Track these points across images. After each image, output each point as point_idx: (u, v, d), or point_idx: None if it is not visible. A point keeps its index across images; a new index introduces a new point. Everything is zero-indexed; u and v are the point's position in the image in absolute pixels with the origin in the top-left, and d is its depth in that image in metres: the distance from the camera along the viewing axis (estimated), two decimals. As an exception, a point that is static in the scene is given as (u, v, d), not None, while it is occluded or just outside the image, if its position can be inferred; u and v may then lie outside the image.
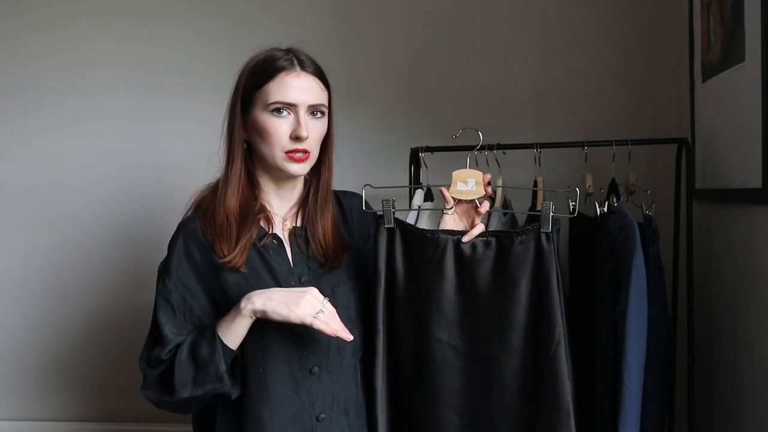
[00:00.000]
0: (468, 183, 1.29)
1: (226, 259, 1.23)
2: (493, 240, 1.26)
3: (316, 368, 1.25)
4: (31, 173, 2.20)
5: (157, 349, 1.23)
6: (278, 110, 1.23)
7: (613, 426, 1.37)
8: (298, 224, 1.32)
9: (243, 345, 1.23)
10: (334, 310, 1.21)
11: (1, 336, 2.22)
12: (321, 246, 1.30)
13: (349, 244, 1.35)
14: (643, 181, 1.64)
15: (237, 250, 1.23)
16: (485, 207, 1.29)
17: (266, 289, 1.21)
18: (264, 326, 1.21)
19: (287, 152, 1.24)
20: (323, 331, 1.18)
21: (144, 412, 2.13)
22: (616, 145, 1.57)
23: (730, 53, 1.45)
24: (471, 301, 1.27)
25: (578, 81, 1.99)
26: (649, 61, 1.96)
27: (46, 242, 2.20)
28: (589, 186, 1.62)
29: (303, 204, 1.34)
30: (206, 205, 1.28)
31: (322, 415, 1.25)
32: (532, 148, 1.61)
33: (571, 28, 2.00)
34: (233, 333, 1.20)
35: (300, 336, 1.24)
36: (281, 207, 1.32)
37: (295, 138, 1.23)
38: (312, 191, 1.33)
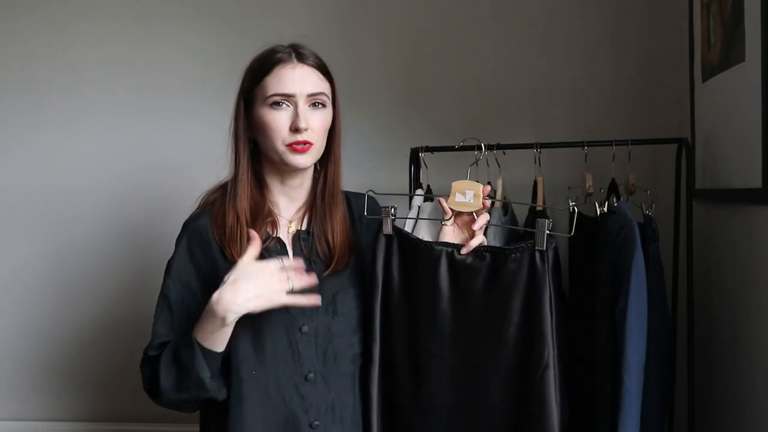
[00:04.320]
0: (466, 195, 1.26)
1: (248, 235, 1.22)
2: (487, 255, 1.23)
3: (311, 374, 1.23)
4: (32, 174, 2.20)
5: (147, 345, 1.25)
6: (277, 103, 1.22)
7: (613, 426, 1.37)
8: (304, 227, 1.30)
9: (236, 346, 1.20)
10: (296, 267, 1.18)
11: (2, 336, 2.22)
12: (328, 246, 1.27)
13: (357, 248, 1.32)
14: (643, 181, 1.64)
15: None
16: (481, 221, 1.25)
17: (231, 287, 1.14)
18: (261, 329, 1.20)
19: (288, 144, 1.22)
20: (302, 305, 1.17)
21: (144, 412, 2.12)
22: (616, 145, 1.57)
23: (730, 53, 1.45)
24: (463, 315, 1.23)
25: (578, 81, 1.99)
26: (649, 61, 1.95)
27: (47, 242, 2.20)
28: (589, 186, 1.62)
29: (311, 206, 1.32)
30: (218, 206, 1.27)
31: (316, 422, 1.23)
32: (532, 148, 1.61)
33: (571, 28, 2.00)
34: (218, 338, 1.16)
35: (296, 342, 1.23)
36: (288, 208, 1.30)
37: (295, 129, 1.21)
38: (320, 188, 1.31)
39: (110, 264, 2.17)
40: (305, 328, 1.24)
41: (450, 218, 1.27)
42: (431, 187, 1.66)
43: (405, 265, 1.28)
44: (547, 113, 2.00)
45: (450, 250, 1.24)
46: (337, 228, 1.29)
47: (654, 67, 1.95)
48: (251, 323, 1.20)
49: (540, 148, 1.60)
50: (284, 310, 1.21)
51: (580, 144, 1.60)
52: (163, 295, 1.26)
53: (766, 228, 1.35)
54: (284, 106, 1.22)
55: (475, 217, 1.26)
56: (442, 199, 1.28)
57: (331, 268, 1.27)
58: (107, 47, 2.16)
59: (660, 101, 1.95)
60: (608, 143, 1.58)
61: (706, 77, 1.63)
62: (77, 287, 2.19)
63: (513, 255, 1.21)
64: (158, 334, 1.24)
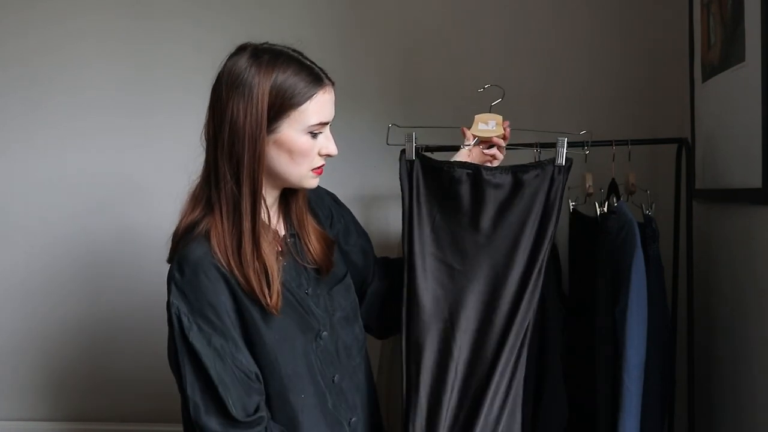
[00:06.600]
0: (489, 123, 1.37)
1: (272, 303, 1.11)
2: (510, 173, 1.32)
3: (336, 376, 1.23)
4: (30, 172, 2.20)
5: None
6: (317, 132, 1.15)
7: (613, 426, 1.37)
8: (283, 231, 1.24)
9: (280, 375, 1.15)
10: None
11: (1, 336, 2.22)
12: (314, 251, 1.23)
13: (332, 239, 1.29)
14: (643, 181, 1.64)
15: (277, 291, 1.13)
16: (496, 150, 1.40)
17: None
18: (292, 351, 1.16)
19: (313, 169, 1.17)
20: None
21: (144, 412, 2.13)
22: (616, 145, 1.57)
23: (730, 53, 1.45)
24: (486, 232, 1.32)
25: (579, 81, 1.99)
26: (649, 61, 1.95)
27: (45, 241, 2.20)
28: (589, 186, 1.62)
29: (281, 208, 1.25)
30: (219, 238, 1.12)
31: (353, 419, 1.25)
32: (532, 147, 1.61)
33: (571, 28, 2.00)
34: None
35: (314, 350, 1.20)
36: (270, 218, 1.21)
37: (326, 155, 1.18)
38: (291, 192, 1.24)
39: (110, 263, 2.17)
40: (324, 334, 1.22)
41: (471, 143, 1.38)
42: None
43: (429, 188, 1.36)
44: (547, 113, 2.00)
45: (470, 171, 1.32)
46: (317, 232, 1.26)
47: (654, 68, 1.95)
48: (279, 350, 1.15)
49: (540, 148, 1.60)
50: (305, 325, 1.19)
51: (580, 144, 1.60)
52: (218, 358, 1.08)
53: (766, 228, 1.35)
54: (320, 132, 1.16)
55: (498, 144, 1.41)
56: (465, 128, 1.40)
57: (324, 270, 1.25)
58: (106, 43, 2.16)
59: (660, 101, 1.95)
60: (608, 143, 1.58)
61: (706, 77, 1.62)
62: (77, 286, 2.19)
63: (534, 171, 1.32)
64: (248, 408, 1.09)
